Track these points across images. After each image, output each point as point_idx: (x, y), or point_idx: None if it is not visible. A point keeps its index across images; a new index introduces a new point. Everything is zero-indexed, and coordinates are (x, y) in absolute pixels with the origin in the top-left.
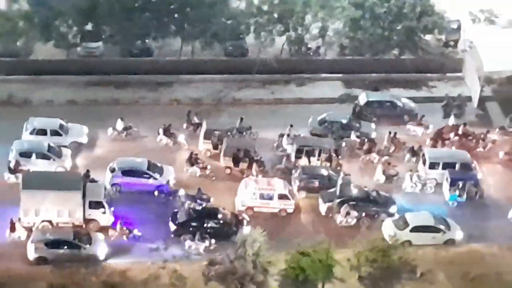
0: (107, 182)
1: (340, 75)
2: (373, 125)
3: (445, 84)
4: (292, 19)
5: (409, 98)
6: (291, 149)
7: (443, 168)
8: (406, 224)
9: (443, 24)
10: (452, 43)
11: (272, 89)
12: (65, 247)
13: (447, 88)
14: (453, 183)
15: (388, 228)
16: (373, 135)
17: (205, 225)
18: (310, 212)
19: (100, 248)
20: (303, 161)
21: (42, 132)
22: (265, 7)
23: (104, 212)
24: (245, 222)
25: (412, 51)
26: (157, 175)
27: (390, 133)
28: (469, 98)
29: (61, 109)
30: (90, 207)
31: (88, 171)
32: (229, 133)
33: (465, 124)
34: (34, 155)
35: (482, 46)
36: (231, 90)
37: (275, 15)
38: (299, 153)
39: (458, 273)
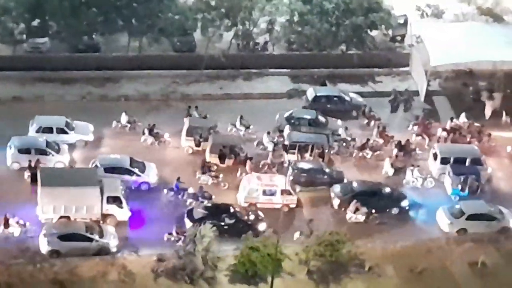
0: None
1: (287, 70)
2: (339, 121)
3: (392, 79)
4: (240, 14)
5: (357, 92)
6: (271, 146)
7: (454, 163)
8: (461, 212)
9: (390, 20)
10: (399, 38)
11: (220, 84)
12: (78, 240)
13: (394, 83)
14: (455, 178)
15: (443, 217)
16: (340, 131)
17: (221, 221)
18: (311, 207)
19: (112, 240)
20: (293, 156)
21: (48, 130)
22: (212, 2)
23: (121, 207)
24: (252, 217)
25: (359, 46)
26: (139, 172)
27: (378, 127)
28: (416, 93)
29: (7, 106)
30: (108, 202)
31: (71, 167)
32: (211, 130)
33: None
34: (33, 151)
35: (428, 40)
36: (179, 86)
37: (223, 10)
38: (291, 148)
39: (406, 266)
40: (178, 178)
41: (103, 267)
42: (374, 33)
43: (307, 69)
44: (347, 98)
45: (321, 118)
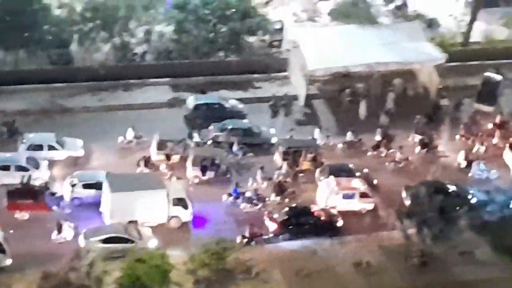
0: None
1: (167, 79)
2: (273, 130)
3: (271, 84)
4: (116, 25)
5: (237, 99)
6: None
7: None
8: None
9: (266, 26)
10: (276, 43)
11: (100, 96)
12: (118, 242)
13: (274, 88)
14: None
15: None
16: (274, 140)
17: (302, 222)
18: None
19: (150, 242)
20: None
21: (38, 147)
22: (88, 14)
23: (186, 208)
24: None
25: (237, 53)
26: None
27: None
28: (296, 97)
29: None
30: (174, 204)
31: (47, 183)
32: (181, 143)
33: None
34: (12, 168)
35: (305, 45)
36: (58, 99)
37: (98, 22)
38: (286, 154)
39: (292, 269)
40: (237, 184)
41: None
42: (251, 39)
43: (187, 77)
44: (227, 105)
45: (255, 128)
